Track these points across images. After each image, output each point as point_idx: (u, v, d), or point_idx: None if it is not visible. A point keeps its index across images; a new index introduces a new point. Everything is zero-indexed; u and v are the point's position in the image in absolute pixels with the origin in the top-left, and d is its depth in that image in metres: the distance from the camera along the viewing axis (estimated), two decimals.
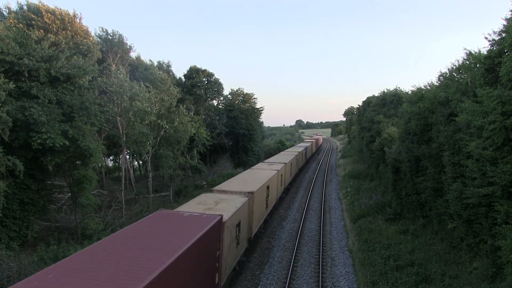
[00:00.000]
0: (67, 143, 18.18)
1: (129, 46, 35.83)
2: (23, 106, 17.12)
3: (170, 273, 6.90)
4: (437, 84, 18.49)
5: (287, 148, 62.01)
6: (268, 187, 20.32)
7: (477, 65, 13.84)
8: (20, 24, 23.66)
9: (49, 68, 18.77)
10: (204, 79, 49.96)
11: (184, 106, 33.90)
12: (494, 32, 12.55)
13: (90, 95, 21.17)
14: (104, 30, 34.41)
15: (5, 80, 16.14)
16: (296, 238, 19.90)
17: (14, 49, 17.53)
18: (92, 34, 31.04)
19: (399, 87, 36.11)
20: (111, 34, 34.20)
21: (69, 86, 19.92)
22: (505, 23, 12.09)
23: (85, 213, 24.25)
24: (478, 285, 11.71)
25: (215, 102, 54.81)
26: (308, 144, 61.77)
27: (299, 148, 50.59)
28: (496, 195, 11.02)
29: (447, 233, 15.85)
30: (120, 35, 34.39)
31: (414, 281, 13.47)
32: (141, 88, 27.61)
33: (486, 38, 12.80)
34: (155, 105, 29.96)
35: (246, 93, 59.37)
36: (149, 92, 29.40)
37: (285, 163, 28.85)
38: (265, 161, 31.84)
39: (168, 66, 47.13)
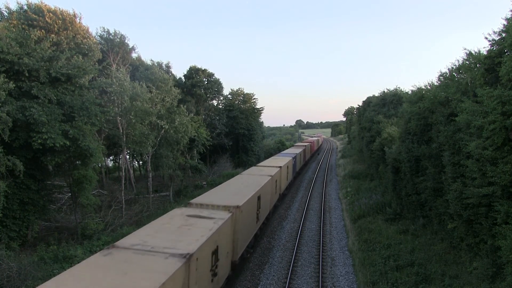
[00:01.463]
0: (67, 143, 18.18)
1: (131, 46, 35.93)
2: (23, 106, 17.13)
3: None
4: (437, 84, 18.49)
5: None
6: None
7: (477, 65, 13.84)
8: (23, 25, 23.70)
9: (49, 68, 18.77)
10: (204, 79, 49.99)
11: (185, 107, 33.93)
12: (494, 32, 12.57)
13: (90, 95, 21.17)
14: (106, 29, 34.47)
15: (5, 80, 16.14)
16: (296, 238, 19.89)
17: (14, 48, 17.54)
18: (93, 34, 31.13)
19: (399, 87, 36.18)
20: (113, 34, 34.24)
21: (70, 86, 19.93)
22: (505, 23, 12.10)
23: (85, 213, 24.27)
24: (478, 285, 11.70)
25: (215, 102, 54.86)
26: (298, 151, 41.17)
27: (282, 159, 30.86)
28: (496, 195, 11.03)
29: (447, 233, 15.85)
30: (122, 35, 34.44)
31: (414, 281, 13.47)
32: (142, 88, 27.62)
33: (486, 38, 12.83)
34: (156, 106, 30.00)
35: (246, 93, 59.42)
36: (151, 92, 29.41)
37: (236, 207, 13.29)
38: (196, 200, 14.30)
39: (168, 67, 47.16)
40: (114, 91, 25.99)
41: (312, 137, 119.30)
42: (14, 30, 19.75)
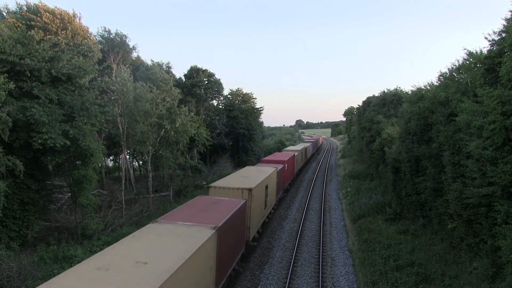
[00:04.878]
0: (67, 143, 18.15)
1: (132, 46, 35.82)
2: (24, 107, 17.10)
3: None
4: (437, 84, 18.50)
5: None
6: None
7: (477, 65, 13.85)
8: (19, 24, 23.64)
9: (50, 68, 18.76)
10: (204, 79, 49.97)
11: (186, 107, 33.89)
12: (494, 32, 12.59)
13: (90, 96, 21.15)
14: (106, 29, 34.36)
15: (5, 80, 16.13)
16: (296, 238, 19.89)
17: (16, 49, 17.54)
18: (94, 34, 31.04)
19: (399, 87, 36.19)
20: (114, 34, 34.13)
21: (70, 86, 19.91)
22: (505, 23, 12.11)
23: (85, 213, 24.24)
24: (478, 285, 11.71)
25: (215, 102, 54.84)
26: (263, 178, 19.32)
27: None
28: (496, 195, 11.03)
29: (447, 233, 15.85)
30: (123, 35, 34.34)
31: (414, 281, 13.48)
32: (144, 88, 27.52)
33: (486, 38, 12.85)
34: (158, 106, 29.92)
35: (246, 93, 59.39)
36: (152, 92, 29.36)
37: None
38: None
39: (169, 67, 47.11)
40: (117, 90, 25.81)
41: (304, 141, 79.22)
42: (16, 30, 19.73)
